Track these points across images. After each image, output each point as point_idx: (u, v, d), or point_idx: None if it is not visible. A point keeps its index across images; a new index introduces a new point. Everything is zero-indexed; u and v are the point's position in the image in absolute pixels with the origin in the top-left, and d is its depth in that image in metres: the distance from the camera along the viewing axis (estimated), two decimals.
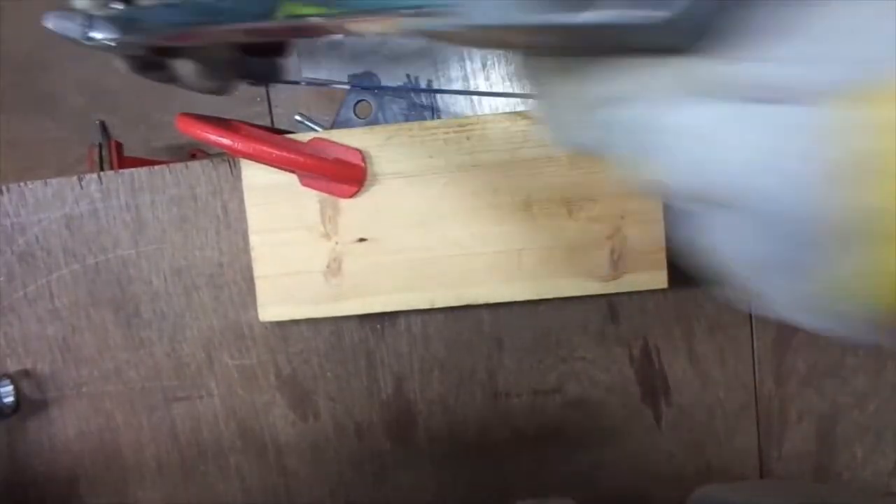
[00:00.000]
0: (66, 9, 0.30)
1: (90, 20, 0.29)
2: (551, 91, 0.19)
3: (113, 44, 0.29)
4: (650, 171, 0.17)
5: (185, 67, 0.34)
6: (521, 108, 0.47)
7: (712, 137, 0.16)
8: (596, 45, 0.17)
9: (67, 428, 0.51)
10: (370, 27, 0.21)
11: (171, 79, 0.35)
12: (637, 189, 0.18)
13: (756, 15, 0.16)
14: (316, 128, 0.56)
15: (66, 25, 0.29)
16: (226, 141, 0.37)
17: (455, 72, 0.66)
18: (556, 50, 0.19)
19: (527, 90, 0.21)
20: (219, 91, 0.36)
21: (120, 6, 0.29)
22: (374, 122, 0.49)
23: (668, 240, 0.42)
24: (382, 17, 0.20)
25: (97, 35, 0.29)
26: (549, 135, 0.20)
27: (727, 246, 0.17)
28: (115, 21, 0.29)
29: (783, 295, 0.17)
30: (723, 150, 0.16)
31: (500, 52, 0.18)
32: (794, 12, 0.15)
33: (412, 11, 0.18)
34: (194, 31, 0.28)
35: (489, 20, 0.16)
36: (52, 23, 0.30)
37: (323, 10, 0.21)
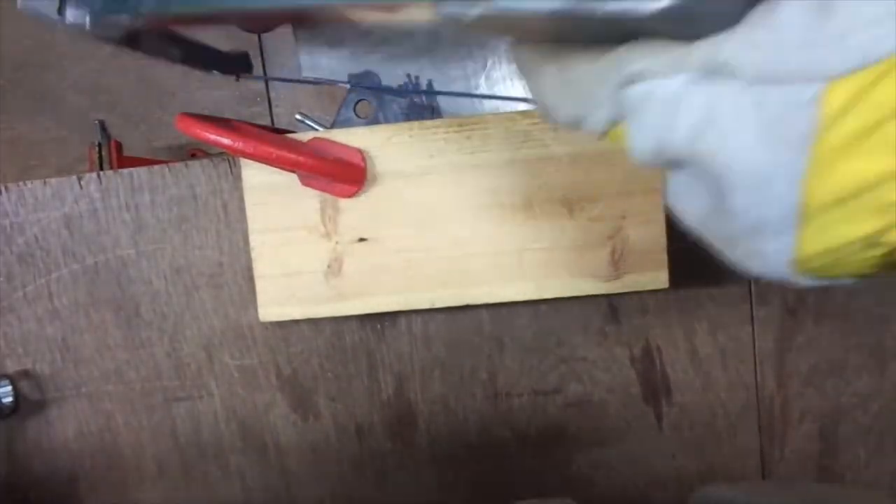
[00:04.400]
0: None
1: (64, 0, 0.29)
2: (557, 70, 0.21)
3: (87, 26, 0.28)
4: (647, 136, 0.20)
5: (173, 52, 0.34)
6: (521, 107, 0.47)
7: (710, 112, 0.18)
8: (610, 31, 0.18)
9: (67, 428, 0.51)
10: (398, 14, 0.21)
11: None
12: (632, 158, 0.20)
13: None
14: (316, 127, 0.55)
15: (39, 4, 0.29)
16: (226, 141, 0.37)
17: (455, 71, 0.66)
18: (568, 35, 0.20)
19: (528, 75, 0.22)
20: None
21: None
22: (374, 121, 0.49)
23: (669, 240, 0.42)
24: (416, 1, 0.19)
25: (71, 16, 0.29)
26: (545, 111, 0.22)
27: (688, 207, 0.21)
28: (90, 2, 0.28)
29: (734, 252, 0.20)
30: (720, 124, 0.18)
31: (510, 37, 0.20)
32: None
33: None
34: (192, 14, 0.27)
35: (519, 6, 0.16)
36: (22, 2, 0.29)
37: None
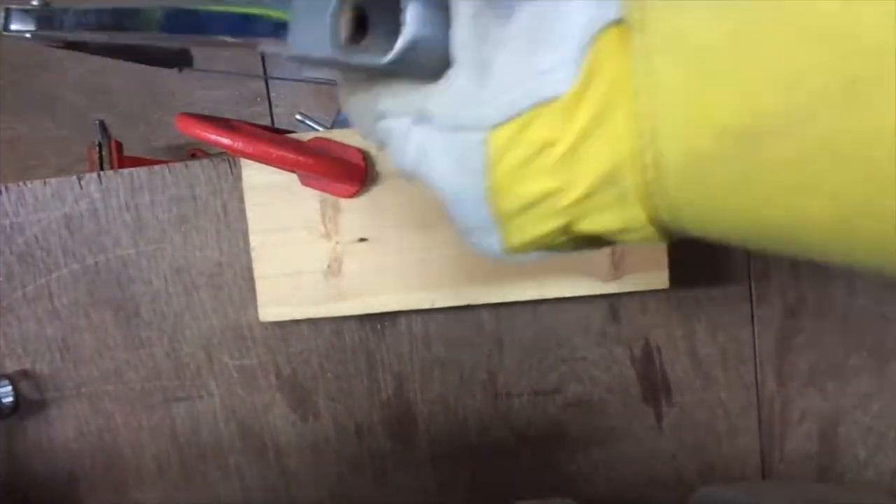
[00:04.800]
0: None
1: (9, 13, 0.32)
2: (354, 98, 0.26)
3: (28, 35, 0.32)
4: (394, 160, 0.25)
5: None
6: None
7: (414, 147, 0.24)
8: (377, 73, 0.24)
9: (67, 428, 0.51)
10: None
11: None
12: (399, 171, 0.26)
13: (457, 54, 0.22)
14: (316, 127, 0.55)
15: None
16: (226, 141, 0.37)
17: None
18: (358, 74, 0.26)
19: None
20: None
21: (36, 3, 0.32)
22: None
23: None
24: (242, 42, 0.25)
25: (14, 27, 0.32)
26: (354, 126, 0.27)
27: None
28: (31, 15, 0.32)
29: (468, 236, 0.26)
30: (428, 158, 0.24)
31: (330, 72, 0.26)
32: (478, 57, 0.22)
33: (260, 40, 0.25)
34: (103, 34, 0.31)
35: (304, 53, 0.23)
36: None
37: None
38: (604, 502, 0.49)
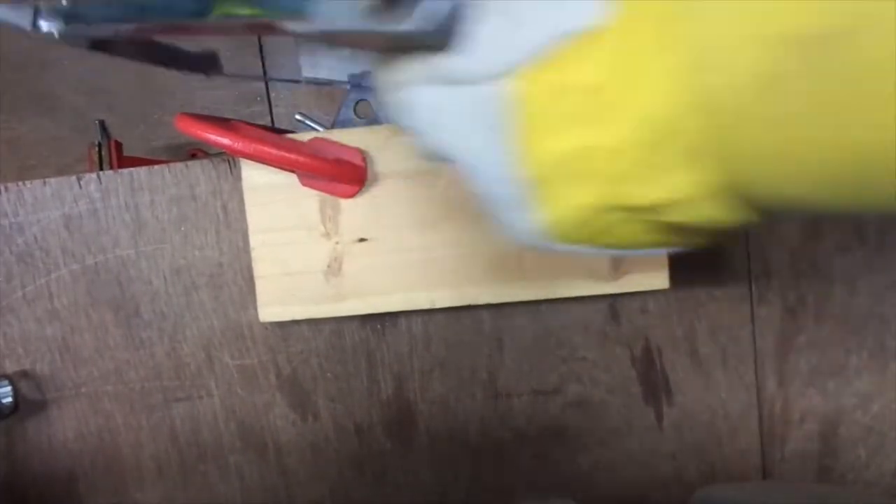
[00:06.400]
0: (15, 1, 0.31)
1: (37, 12, 0.31)
2: (384, 76, 0.24)
3: (56, 35, 0.31)
4: (414, 137, 0.22)
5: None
6: None
7: (434, 112, 0.21)
8: (399, 46, 0.22)
9: (66, 428, 0.51)
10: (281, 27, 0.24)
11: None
12: (419, 154, 0.23)
13: (466, 21, 0.19)
14: (316, 127, 0.55)
15: (13, 15, 0.31)
16: (226, 141, 0.37)
17: None
18: (382, 48, 0.23)
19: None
20: None
21: (64, 1, 0.31)
22: (374, 121, 0.49)
23: None
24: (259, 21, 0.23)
25: (43, 26, 0.31)
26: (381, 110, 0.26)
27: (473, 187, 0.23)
28: (59, 13, 0.31)
29: (496, 216, 0.23)
30: (441, 121, 0.21)
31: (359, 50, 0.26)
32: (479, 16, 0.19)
33: (283, 15, 0.22)
34: (128, 26, 0.30)
35: (335, 26, 0.21)
36: None
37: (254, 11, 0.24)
38: (604, 502, 0.49)
